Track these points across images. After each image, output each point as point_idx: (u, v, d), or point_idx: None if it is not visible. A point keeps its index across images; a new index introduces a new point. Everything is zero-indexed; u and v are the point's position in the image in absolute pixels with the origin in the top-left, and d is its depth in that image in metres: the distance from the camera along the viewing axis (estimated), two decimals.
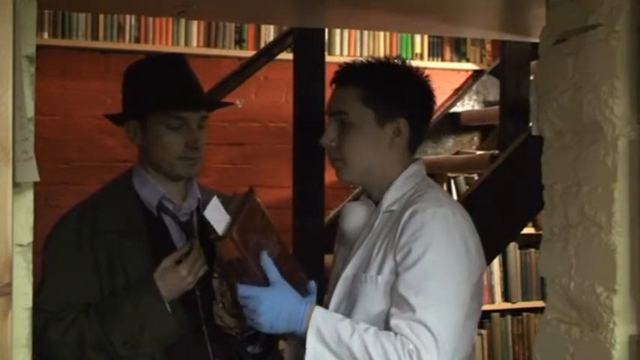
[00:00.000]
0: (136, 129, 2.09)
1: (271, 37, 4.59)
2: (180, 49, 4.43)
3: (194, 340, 2.01)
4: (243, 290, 1.83)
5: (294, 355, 1.95)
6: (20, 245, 1.43)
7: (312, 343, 1.80)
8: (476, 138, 4.83)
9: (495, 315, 4.65)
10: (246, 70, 4.01)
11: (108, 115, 2.19)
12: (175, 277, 1.94)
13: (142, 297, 1.94)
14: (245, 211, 1.85)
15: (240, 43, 4.64)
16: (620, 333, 1.53)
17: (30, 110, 1.42)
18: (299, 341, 1.85)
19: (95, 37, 4.39)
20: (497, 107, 4.03)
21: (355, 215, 2.03)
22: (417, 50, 4.96)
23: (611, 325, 1.53)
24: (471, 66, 5.05)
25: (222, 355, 2.05)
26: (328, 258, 2.66)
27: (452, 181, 4.60)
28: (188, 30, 4.54)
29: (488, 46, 5.07)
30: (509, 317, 4.69)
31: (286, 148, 3.82)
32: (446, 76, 4.93)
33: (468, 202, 3.20)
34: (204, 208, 1.79)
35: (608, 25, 1.56)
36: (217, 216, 1.80)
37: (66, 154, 4.32)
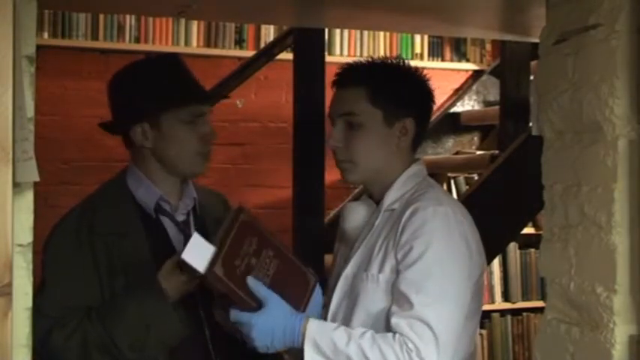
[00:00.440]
0: (146, 131, 2.07)
1: (271, 37, 4.59)
2: (180, 49, 4.44)
3: (195, 341, 2.01)
4: (234, 316, 1.86)
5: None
6: (20, 245, 1.43)
7: (309, 355, 1.81)
8: (476, 138, 4.83)
9: (495, 315, 4.65)
10: (246, 70, 4.00)
11: (102, 124, 2.17)
12: (179, 278, 1.93)
13: (147, 298, 1.93)
14: (233, 235, 1.86)
15: (240, 43, 4.64)
16: (620, 333, 1.53)
17: (30, 110, 1.42)
18: (298, 352, 1.86)
19: (95, 37, 4.39)
20: (497, 107, 4.03)
21: (356, 214, 2.03)
22: (417, 50, 4.96)
23: (611, 325, 1.53)
24: (471, 66, 5.05)
25: (224, 355, 2.05)
26: (328, 258, 2.66)
27: (452, 181, 4.60)
28: (188, 30, 4.54)
29: (488, 46, 5.07)
30: (509, 317, 4.69)
31: (286, 148, 3.82)
32: (446, 76, 4.93)
33: (468, 202, 3.20)
34: (197, 215, 1.77)
35: (608, 25, 1.56)
36: (198, 253, 1.81)
37: (66, 154, 4.32)
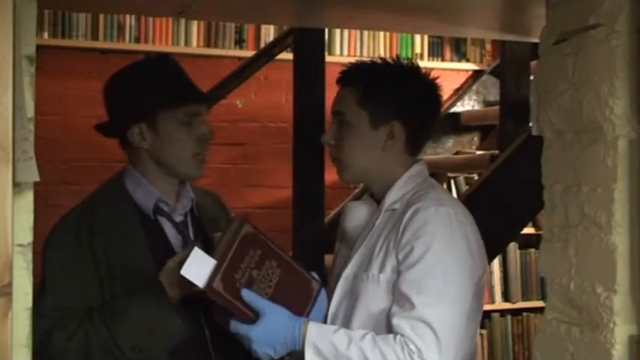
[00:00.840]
0: (144, 131, 2.07)
1: (271, 37, 4.59)
2: (180, 49, 4.44)
3: (195, 341, 2.01)
4: (234, 328, 1.87)
5: None
6: (20, 245, 1.43)
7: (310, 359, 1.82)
8: (476, 138, 4.83)
9: (495, 315, 4.65)
10: (246, 70, 4.00)
11: (98, 125, 2.16)
12: (180, 279, 1.93)
13: (149, 299, 1.93)
14: (235, 249, 1.87)
15: (240, 43, 4.64)
16: (620, 333, 1.53)
17: (30, 110, 1.42)
18: (300, 355, 1.87)
19: (95, 37, 4.39)
20: (497, 107, 4.02)
21: (357, 214, 2.04)
22: (417, 50, 4.96)
23: (611, 325, 1.53)
24: (471, 66, 5.05)
25: (223, 355, 2.05)
26: (328, 258, 2.66)
27: (452, 181, 4.60)
28: (188, 30, 4.54)
29: (488, 46, 5.06)
30: (509, 317, 4.69)
31: (286, 148, 3.82)
32: (446, 76, 4.91)
33: (468, 202, 3.19)
34: (194, 216, 1.76)
35: (608, 25, 1.56)
36: (198, 267, 1.82)
37: (66, 154, 4.32)
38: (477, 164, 3.97)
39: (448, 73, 4.95)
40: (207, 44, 4.58)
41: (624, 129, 1.54)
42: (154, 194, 2.10)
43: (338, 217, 2.18)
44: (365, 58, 2.10)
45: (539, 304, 4.64)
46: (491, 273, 4.62)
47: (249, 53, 4.42)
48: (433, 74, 2.07)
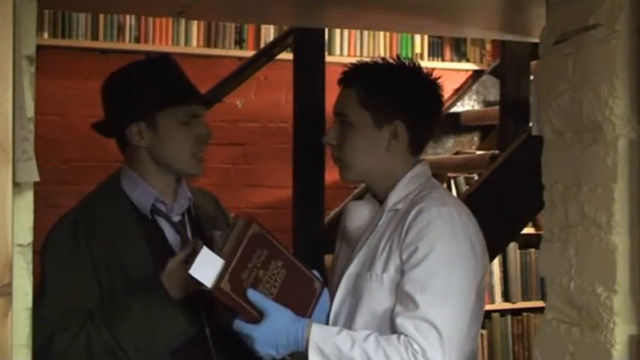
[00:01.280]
0: (142, 130, 2.07)
1: (271, 37, 4.59)
2: (180, 49, 4.44)
3: (196, 339, 2.01)
4: (238, 327, 1.88)
5: None
6: (20, 245, 1.43)
7: None
8: (476, 138, 4.83)
9: (495, 315, 4.65)
10: (246, 70, 4.00)
11: (95, 124, 2.16)
12: (182, 279, 1.93)
13: (151, 299, 1.93)
14: (242, 249, 1.87)
15: (240, 43, 4.64)
16: (620, 333, 1.53)
17: (30, 110, 1.42)
18: (303, 355, 1.87)
19: (95, 37, 4.39)
20: (497, 107, 4.02)
21: (359, 214, 2.04)
22: (417, 50, 4.96)
23: (611, 325, 1.53)
24: (471, 66, 5.05)
25: (224, 354, 2.05)
26: (328, 258, 2.66)
27: (452, 181, 4.60)
28: (188, 30, 4.54)
29: (488, 46, 5.06)
30: (509, 317, 4.69)
31: (286, 148, 3.82)
32: (446, 76, 4.88)
33: (468, 202, 3.18)
34: (191, 216, 1.76)
35: (608, 25, 1.56)
36: (206, 266, 1.82)
37: (66, 154, 4.32)
38: (477, 164, 3.97)
39: (448, 73, 4.94)
40: (207, 44, 4.58)
41: (624, 129, 1.54)
42: (151, 194, 2.10)
43: (338, 217, 2.18)
44: (365, 58, 2.11)
45: (539, 304, 4.64)
46: (491, 273, 4.62)
47: (249, 53, 4.42)
48: (434, 74, 2.07)
